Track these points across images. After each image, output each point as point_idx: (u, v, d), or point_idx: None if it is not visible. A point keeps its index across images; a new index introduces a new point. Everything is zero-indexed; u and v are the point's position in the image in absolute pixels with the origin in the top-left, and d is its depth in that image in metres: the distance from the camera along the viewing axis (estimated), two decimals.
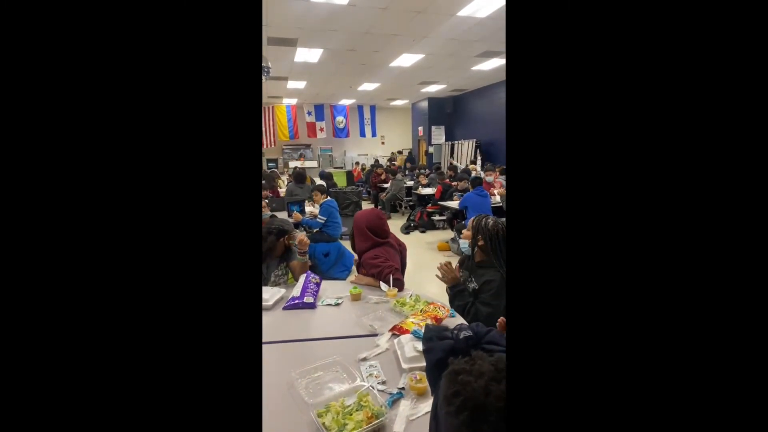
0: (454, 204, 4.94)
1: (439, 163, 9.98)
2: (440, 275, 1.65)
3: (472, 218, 1.72)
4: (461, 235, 1.73)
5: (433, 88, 9.59)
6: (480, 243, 1.63)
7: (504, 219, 1.68)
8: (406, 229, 5.83)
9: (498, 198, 4.98)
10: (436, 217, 5.93)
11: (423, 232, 5.78)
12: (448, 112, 11.03)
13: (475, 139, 9.82)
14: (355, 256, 2.04)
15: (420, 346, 1.16)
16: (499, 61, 7.02)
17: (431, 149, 11.18)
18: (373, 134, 12.07)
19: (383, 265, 1.82)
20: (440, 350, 0.89)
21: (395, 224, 6.27)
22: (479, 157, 9.36)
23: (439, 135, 11.18)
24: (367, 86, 8.99)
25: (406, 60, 6.71)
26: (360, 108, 11.71)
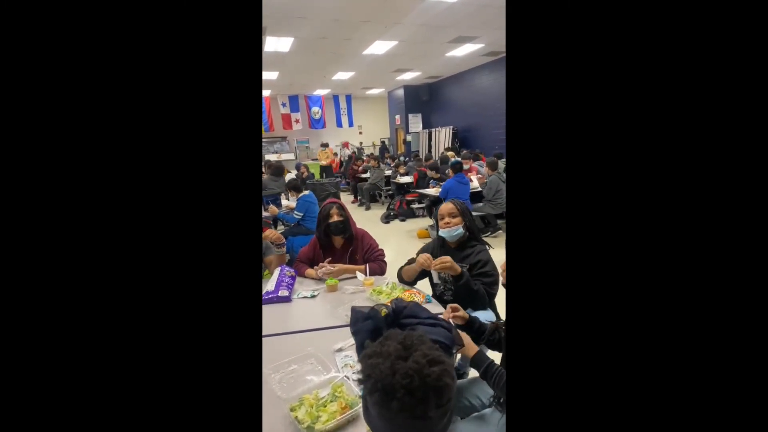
0: (431, 191, 4.95)
1: (418, 151, 9.97)
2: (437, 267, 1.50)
3: (446, 204, 1.72)
4: (447, 223, 1.66)
5: (408, 76, 9.52)
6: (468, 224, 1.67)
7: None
8: (386, 219, 5.82)
9: (476, 183, 5.02)
10: (416, 205, 5.94)
11: (403, 220, 5.78)
12: (424, 100, 11.00)
13: (452, 126, 9.84)
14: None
15: None
16: (472, 47, 7.01)
17: (409, 137, 11.16)
18: (350, 124, 11.94)
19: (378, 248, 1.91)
20: (365, 331, 0.89)
21: (375, 214, 6.25)
22: (456, 144, 9.41)
23: (416, 123, 11.15)
24: (342, 75, 8.84)
25: (379, 47, 6.62)
26: (335, 98, 11.54)
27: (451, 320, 1.19)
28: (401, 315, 1.02)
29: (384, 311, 0.98)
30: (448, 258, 1.48)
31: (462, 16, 5.27)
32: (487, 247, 1.65)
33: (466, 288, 1.47)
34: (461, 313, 1.23)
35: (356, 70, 8.39)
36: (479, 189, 4.84)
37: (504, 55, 7.85)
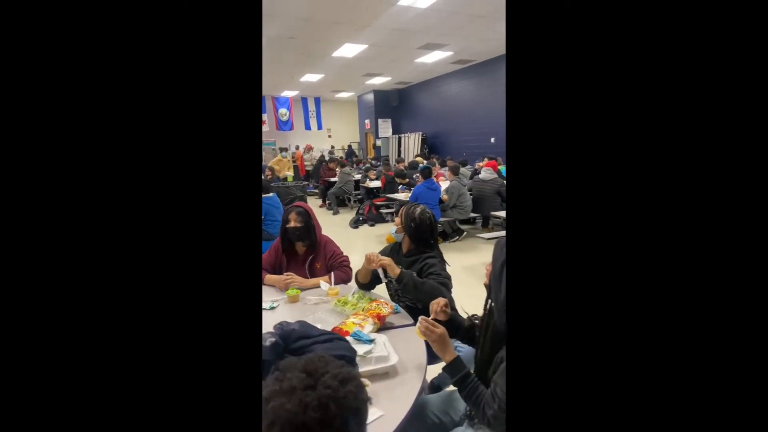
0: (399, 196, 4.92)
1: (387, 156, 9.97)
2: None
3: (402, 207, 1.69)
4: (397, 226, 1.67)
5: (378, 80, 9.51)
6: (409, 231, 1.61)
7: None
8: (355, 224, 5.72)
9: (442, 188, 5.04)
10: (385, 210, 5.89)
11: (372, 225, 5.71)
12: (394, 105, 11.04)
13: (421, 132, 9.92)
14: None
15: (361, 349, 1.07)
16: (441, 54, 7.10)
17: (379, 142, 11.14)
18: (319, 127, 11.76)
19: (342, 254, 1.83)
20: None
21: (344, 219, 6.14)
22: (426, 150, 9.49)
23: (386, 128, 11.16)
24: (311, 77, 8.69)
25: (349, 50, 6.56)
26: (304, 100, 11.34)
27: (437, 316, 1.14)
28: (291, 339, 0.93)
29: (270, 340, 0.88)
30: (387, 258, 1.50)
31: (432, 22, 5.31)
32: (434, 257, 1.57)
33: (412, 285, 1.42)
34: (446, 308, 1.18)
35: (325, 72, 8.28)
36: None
37: (472, 63, 8.02)
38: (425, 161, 6.82)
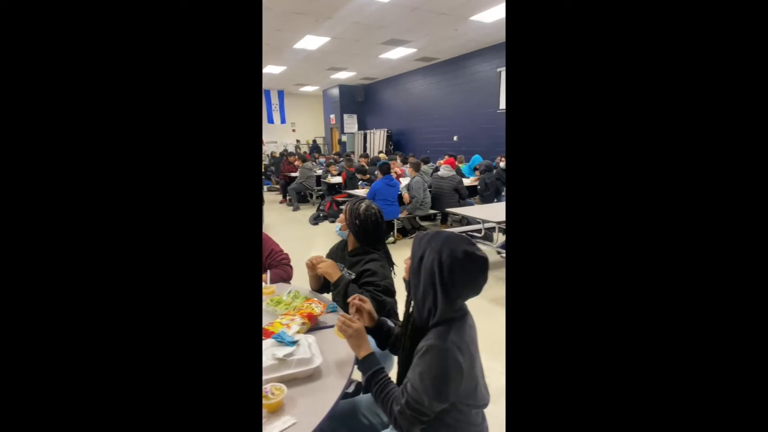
0: (359, 192, 4.86)
1: (352, 152, 9.86)
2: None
3: (346, 204, 1.63)
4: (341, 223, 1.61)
5: (343, 75, 9.38)
6: (353, 229, 1.53)
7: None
8: (315, 220, 5.60)
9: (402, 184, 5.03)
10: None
11: (332, 221, 5.61)
12: (359, 101, 10.94)
13: (386, 129, 9.89)
14: None
15: (281, 352, 1.00)
16: (405, 51, 7.08)
17: (344, 138, 11.01)
18: (282, 121, 11.47)
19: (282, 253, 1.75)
20: None
21: (304, 215, 6.00)
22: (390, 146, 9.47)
23: (351, 123, 11.04)
24: (273, 68, 8.43)
25: (311, 42, 6.40)
26: (267, 93, 11.01)
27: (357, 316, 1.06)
28: None
29: None
30: (328, 262, 1.44)
31: (393, 17, 5.27)
32: (377, 260, 1.48)
33: (342, 294, 1.35)
34: (368, 306, 1.09)
35: (288, 64, 8.05)
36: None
37: (437, 61, 8.08)
38: (387, 157, 6.79)
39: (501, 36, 6.31)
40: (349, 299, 1.11)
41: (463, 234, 0.90)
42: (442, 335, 0.84)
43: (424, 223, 5.06)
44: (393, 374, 1.02)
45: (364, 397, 1.20)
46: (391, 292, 1.43)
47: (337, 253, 1.55)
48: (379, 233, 1.55)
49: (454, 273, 0.84)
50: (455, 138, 8.12)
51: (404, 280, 1.00)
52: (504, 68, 6.70)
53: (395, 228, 4.59)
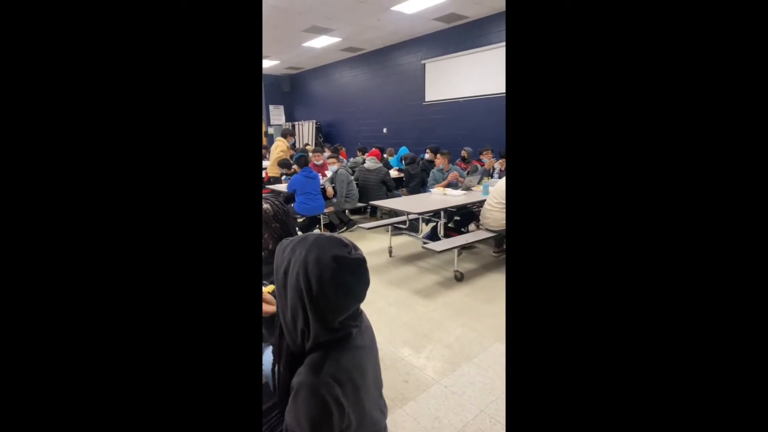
0: (281, 187, 4.61)
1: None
2: None
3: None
4: None
5: (266, 63, 8.88)
6: (277, 234, 1.33)
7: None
8: None
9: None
10: None
11: None
12: (285, 91, 10.48)
13: (315, 120, 9.60)
14: None
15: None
16: (329, 40, 6.88)
17: (271, 130, 10.49)
18: None
19: None
20: None
21: None
22: (321, 138, 9.22)
23: (278, 115, 10.56)
24: None
25: None
26: None
27: None
28: None
29: None
30: (270, 298, 1.27)
31: (313, 3, 5.05)
32: None
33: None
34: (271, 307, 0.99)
35: None
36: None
37: (363, 51, 7.97)
38: (313, 149, 6.56)
39: (424, 28, 6.38)
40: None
41: (333, 235, 0.77)
42: (315, 367, 0.70)
43: (353, 217, 4.96)
44: None
45: None
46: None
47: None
48: (289, 230, 1.36)
49: (324, 286, 0.68)
50: (385, 130, 8.12)
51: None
52: (428, 60, 6.81)
53: (321, 223, 4.44)
